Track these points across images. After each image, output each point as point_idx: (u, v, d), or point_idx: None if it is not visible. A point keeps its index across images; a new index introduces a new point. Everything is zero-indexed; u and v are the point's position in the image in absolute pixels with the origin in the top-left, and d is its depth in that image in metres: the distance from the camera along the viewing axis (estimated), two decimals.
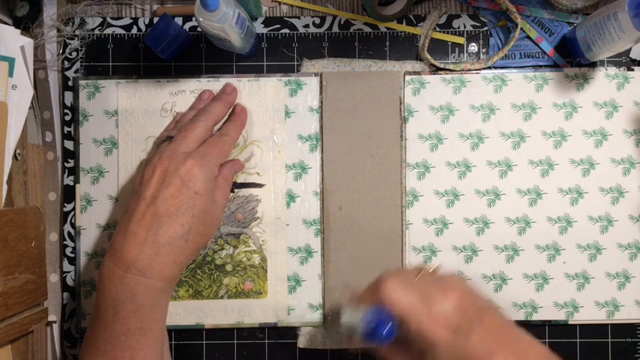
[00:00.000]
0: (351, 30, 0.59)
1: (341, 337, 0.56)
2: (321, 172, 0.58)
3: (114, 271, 0.46)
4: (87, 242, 0.57)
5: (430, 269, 0.47)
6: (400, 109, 0.58)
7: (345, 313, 0.47)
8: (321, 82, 0.58)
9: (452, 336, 0.42)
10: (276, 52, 0.58)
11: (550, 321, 0.57)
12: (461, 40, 0.58)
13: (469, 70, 0.58)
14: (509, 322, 0.45)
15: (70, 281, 0.58)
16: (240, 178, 0.57)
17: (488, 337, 0.43)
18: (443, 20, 0.58)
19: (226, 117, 0.56)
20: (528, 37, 0.58)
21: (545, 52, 0.58)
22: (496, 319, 0.45)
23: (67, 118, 0.58)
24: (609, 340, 0.58)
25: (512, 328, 0.45)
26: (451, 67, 0.57)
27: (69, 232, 0.58)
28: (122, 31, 0.59)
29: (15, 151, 0.53)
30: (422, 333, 0.42)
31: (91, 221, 0.57)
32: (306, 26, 0.58)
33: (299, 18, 0.59)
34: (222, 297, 0.57)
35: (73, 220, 0.58)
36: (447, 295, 0.43)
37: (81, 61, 0.58)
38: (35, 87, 0.56)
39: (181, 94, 0.58)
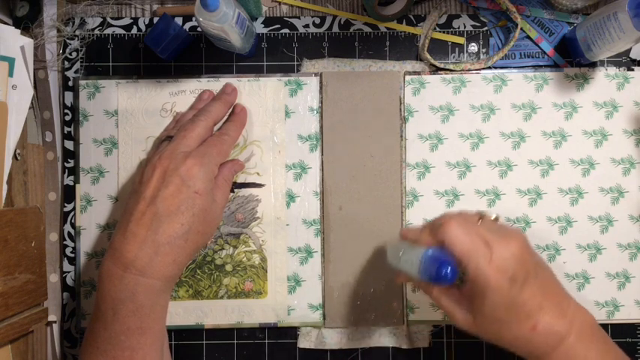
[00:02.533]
0: (351, 30, 0.59)
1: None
2: (321, 172, 0.58)
3: (113, 270, 0.46)
4: (87, 242, 0.57)
5: (492, 216, 0.47)
6: (400, 109, 0.58)
7: (398, 250, 0.47)
8: (321, 82, 0.58)
9: (507, 284, 0.42)
10: (276, 52, 0.58)
11: None
12: (461, 40, 0.58)
13: (469, 70, 0.58)
14: (560, 283, 0.47)
15: (70, 281, 0.58)
16: (240, 178, 0.57)
17: (540, 292, 0.44)
18: (443, 20, 0.58)
19: (226, 117, 0.56)
20: (528, 37, 0.58)
21: (545, 52, 0.58)
22: (550, 277, 0.46)
23: (67, 118, 0.58)
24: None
25: (563, 289, 0.47)
26: (451, 67, 0.57)
27: (69, 232, 0.58)
28: (122, 31, 0.59)
29: (15, 151, 0.53)
30: (479, 277, 0.42)
31: (91, 221, 0.57)
32: (306, 26, 0.59)
33: (299, 18, 0.59)
34: (222, 297, 0.57)
35: (73, 220, 0.58)
36: (508, 243, 0.43)
37: (81, 61, 0.58)
38: (35, 87, 0.56)
39: (181, 94, 0.58)
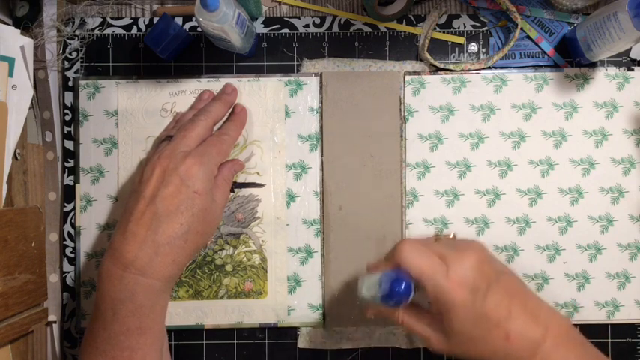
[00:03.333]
0: (351, 30, 0.59)
1: (360, 304, 0.54)
2: (321, 172, 0.58)
3: (113, 270, 0.46)
4: (87, 242, 0.57)
5: (449, 235, 0.47)
6: (400, 109, 0.58)
7: (363, 281, 0.47)
8: (321, 82, 0.58)
9: (470, 296, 0.42)
10: (276, 52, 0.58)
11: None
12: (461, 40, 0.58)
13: (469, 70, 0.58)
14: (526, 285, 0.46)
15: (70, 281, 0.58)
16: (240, 178, 0.57)
17: (505, 297, 0.43)
18: (443, 20, 0.58)
19: (226, 117, 0.56)
20: (528, 37, 0.58)
21: (545, 52, 0.58)
22: (513, 281, 0.45)
23: (67, 118, 0.58)
24: (609, 340, 0.58)
25: (531, 293, 0.46)
26: (451, 67, 0.57)
27: (69, 232, 0.58)
28: (122, 31, 0.59)
29: (15, 151, 0.53)
30: (440, 294, 0.42)
31: (91, 221, 0.57)
32: (306, 26, 0.59)
33: (299, 18, 0.59)
34: (222, 297, 0.57)
35: (73, 220, 0.58)
36: (464, 256, 0.43)
37: (81, 61, 0.58)
38: (35, 87, 0.56)
39: (181, 94, 0.58)
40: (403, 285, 0.42)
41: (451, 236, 0.47)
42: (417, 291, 0.43)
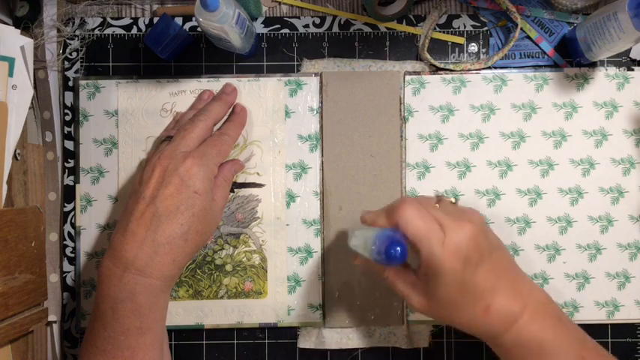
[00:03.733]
0: (351, 30, 0.59)
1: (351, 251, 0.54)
2: (321, 172, 0.58)
3: (113, 270, 0.46)
4: (87, 242, 0.57)
5: (450, 200, 0.47)
6: (400, 109, 0.58)
7: (357, 232, 0.47)
8: (321, 82, 0.58)
9: (461, 266, 0.42)
10: (276, 52, 0.58)
11: None
12: (461, 40, 0.58)
13: (469, 70, 0.58)
14: (516, 264, 0.47)
15: (70, 281, 0.58)
16: (240, 178, 0.57)
17: (494, 274, 0.44)
18: (443, 20, 0.58)
19: (226, 117, 0.56)
20: (528, 37, 0.58)
21: (545, 52, 0.58)
22: (505, 258, 0.46)
23: (67, 118, 0.58)
24: (609, 340, 0.58)
25: (518, 270, 0.46)
26: (451, 67, 0.57)
27: (69, 232, 0.58)
28: (122, 31, 0.59)
29: (15, 151, 0.53)
30: (432, 259, 0.42)
31: (91, 221, 0.57)
32: (306, 26, 0.58)
33: (299, 18, 0.59)
34: (222, 297, 0.57)
35: (73, 220, 0.58)
36: (463, 226, 0.43)
37: (81, 61, 0.58)
38: (35, 87, 0.56)
39: (181, 94, 0.58)
40: (399, 249, 0.42)
41: (453, 201, 0.47)
42: (411, 252, 0.43)
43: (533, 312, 0.44)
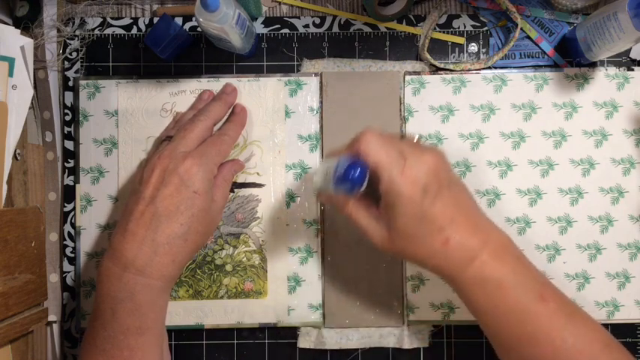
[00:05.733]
0: (351, 30, 0.59)
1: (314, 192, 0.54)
2: None
3: (112, 270, 0.46)
4: (87, 242, 0.57)
5: (414, 138, 0.47)
6: (400, 109, 0.58)
7: (319, 166, 0.46)
8: (321, 82, 0.58)
9: (419, 194, 0.42)
10: (276, 52, 0.58)
11: None
12: (461, 40, 0.58)
13: (469, 70, 0.58)
14: (476, 202, 0.47)
15: (70, 281, 0.58)
16: (240, 178, 0.57)
17: (453, 206, 0.44)
18: (443, 20, 0.58)
19: (226, 117, 0.56)
20: (528, 37, 0.58)
21: (545, 52, 0.58)
22: (464, 193, 0.46)
23: (68, 118, 0.58)
24: None
25: (478, 208, 0.47)
26: (451, 67, 0.57)
27: (69, 232, 0.58)
28: (122, 31, 0.59)
29: (15, 151, 0.53)
30: (392, 187, 0.42)
31: (91, 221, 0.57)
32: (306, 26, 0.59)
33: (299, 18, 0.59)
34: (222, 297, 0.57)
35: (73, 220, 0.58)
36: (423, 156, 0.43)
37: (81, 61, 0.58)
38: (35, 87, 0.56)
39: (181, 94, 0.58)
40: (358, 170, 0.42)
41: (415, 139, 0.47)
42: (372, 184, 0.43)
43: (494, 251, 0.44)
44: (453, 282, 0.45)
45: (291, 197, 0.58)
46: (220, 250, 0.57)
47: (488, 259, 0.43)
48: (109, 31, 0.59)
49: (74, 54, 0.58)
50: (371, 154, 0.43)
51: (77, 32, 0.58)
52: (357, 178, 0.42)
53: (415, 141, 0.47)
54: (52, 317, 0.57)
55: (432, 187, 0.42)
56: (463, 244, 0.43)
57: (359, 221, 0.46)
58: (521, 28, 0.57)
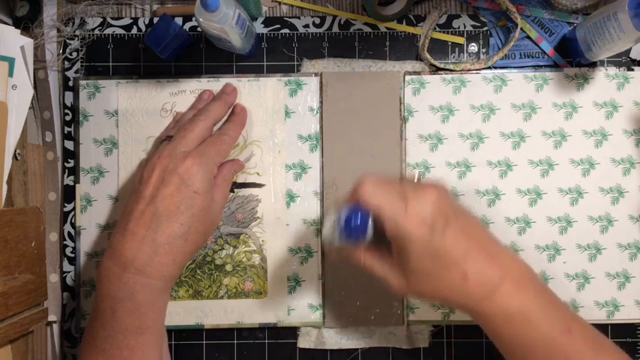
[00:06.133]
0: (351, 30, 0.59)
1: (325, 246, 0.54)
2: (321, 172, 0.58)
3: (112, 269, 0.46)
4: (87, 242, 0.57)
5: (414, 177, 0.47)
6: (400, 109, 0.58)
7: (325, 222, 0.46)
8: (321, 82, 0.58)
9: (428, 232, 0.41)
10: (276, 52, 0.58)
11: None
12: (461, 40, 0.58)
13: (469, 70, 0.58)
14: (485, 228, 0.46)
15: (70, 281, 0.58)
16: (240, 178, 0.57)
17: (463, 236, 0.43)
18: (443, 20, 0.58)
19: (226, 117, 0.56)
20: (528, 37, 0.58)
21: (545, 52, 0.58)
22: (472, 221, 0.45)
23: (68, 118, 0.58)
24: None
25: (488, 233, 0.45)
26: (451, 67, 0.57)
27: (69, 232, 0.58)
28: (122, 31, 0.59)
29: (15, 151, 0.53)
30: (398, 230, 0.41)
31: (91, 221, 0.57)
32: (306, 26, 0.59)
33: (299, 18, 0.59)
34: (222, 297, 0.57)
35: (73, 220, 0.58)
36: (424, 193, 0.42)
37: (81, 62, 0.58)
38: (35, 87, 0.56)
39: (181, 94, 0.58)
40: (359, 217, 0.41)
41: (415, 179, 0.46)
42: (379, 232, 0.43)
43: (515, 281, 0.43)
44: (476, 316, 0.44)
45: (291, 197, 0.58)
46: (220, 250, 0.57)
47: (510, 290, 0.42)
48: (109, 31, 0.59)
49: (74, 54, 0.58)
50: (371, 200, 0.42)
51: (77, 32, 0.58)
52: (359, 226, 0.41)
53: (415, 180, 0.46)
54: (52, 317, 0.57)
55: (438, 222, 0.42)
56: (482, 277, 0.42)
57: (374, 270, 0.45)
58: (521, 28, 0.58)
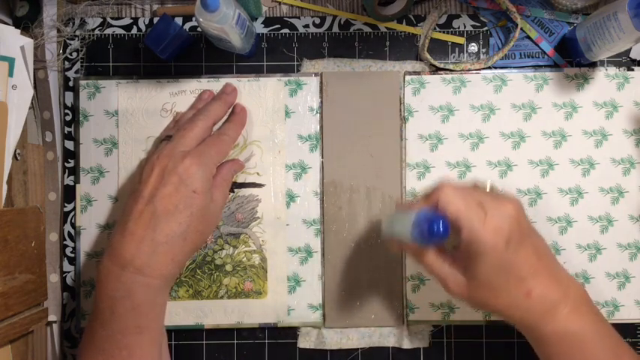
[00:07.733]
0: (351, 30, 0.59)
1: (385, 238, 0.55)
2: (321, 172, 0.58)
3: (111, 269, 0.46)
4: (87, 242, 0.57)
5: (486, 186, 0.47)
6: (400, 109, 0.58)
7: (394, 217, 0.47)
8: (321, 82, 0.58)
9: (503, 244, 0.42)
10: (276, 52, 0.59)
11: None
12: (461, 40, 0.58)
13: (469, 70, 0.58)
14: (552, 252, 0.47)
15: (70, 281, 0.58)
16: (240, 178, 0.57)
17: (535, 256, 0.44)
18: (443, 20, 0.58)
19: (226, 117, 0.56)
20: (528, 37, 0.58)
21: (545, 52, 0.58)
22: (543, 243, 0.46)
23: (68, 118, 0.58)
24: None
25: (554, 255, 0.47)
26: (451, 67, 0.57)
27: (69, 232, 0.58)
28: (122, 32, 0.59)
29: (15, 151, 0.53)
30: (473, 238, 0.42)
31: (91, 221, 0.57)
32: (306, 26, 0.59)
33: (299, 18, 0.59)
34: (222, 297, 0.57)
35: (73, 220, 0.58)
36: (503, 205, 0.43)
37: (81, 62, 0.58)
38: (35, 87, 0.56)
39: (181, 94, 0.58)
40: (442, 225, 0.42)
41: (488, 188, 0.47)
42: (451, 232, 0.43)
43: (575, 305, 0.44)
44: (532, 333, 0.45)
45: (291, 197, 0.58)
46: (220, 250, 0.57)
47: (569, 312, 0.43)
48: (109, 31, 0.59)
49: (74, 54, 0.58)
50: (450, 206, 0.43)
51: (77, 32, 0.58)
52: (442, 232, 0.42)
53: (488, 189, 0.47)
54: (52, 317, 0.57)
55: (514, 237, 0.42)
56: (545, 296, 0.43)
57: (437, 270, 0.46)
58: (521, 28, 0.57)
